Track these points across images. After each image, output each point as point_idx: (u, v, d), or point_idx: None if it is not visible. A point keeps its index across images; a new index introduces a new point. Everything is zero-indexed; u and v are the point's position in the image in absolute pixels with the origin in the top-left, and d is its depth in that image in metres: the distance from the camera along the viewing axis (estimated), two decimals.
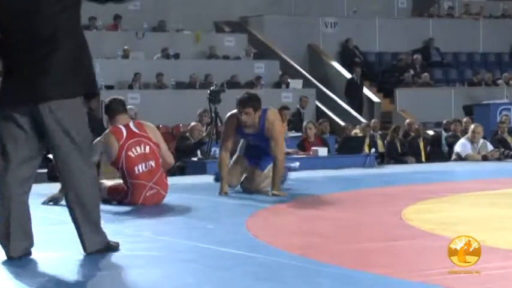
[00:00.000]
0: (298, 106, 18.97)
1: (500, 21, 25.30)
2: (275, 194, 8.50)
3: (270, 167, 8.82)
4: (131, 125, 8.16)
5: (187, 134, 14.49)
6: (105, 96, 18.44)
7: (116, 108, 8.28)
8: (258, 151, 9.05)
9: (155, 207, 7.92)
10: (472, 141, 14.88)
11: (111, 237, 5.37)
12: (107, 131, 8.28)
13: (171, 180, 8.97)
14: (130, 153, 7.90)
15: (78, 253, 5.16)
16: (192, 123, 14.76)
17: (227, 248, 5.45)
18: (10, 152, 5.12)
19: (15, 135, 5.11)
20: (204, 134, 14.29)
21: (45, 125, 5.04)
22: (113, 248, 5.39)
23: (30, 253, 5.22)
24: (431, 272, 4.58)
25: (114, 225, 6.33)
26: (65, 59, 5.07)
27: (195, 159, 13.56)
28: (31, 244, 5.24)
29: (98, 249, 5.24)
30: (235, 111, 8.92)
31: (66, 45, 5.08)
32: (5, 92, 5.13)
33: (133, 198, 7.98)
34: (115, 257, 5.21)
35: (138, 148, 7.96)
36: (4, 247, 5.15)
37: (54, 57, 5.04)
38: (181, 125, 16.79)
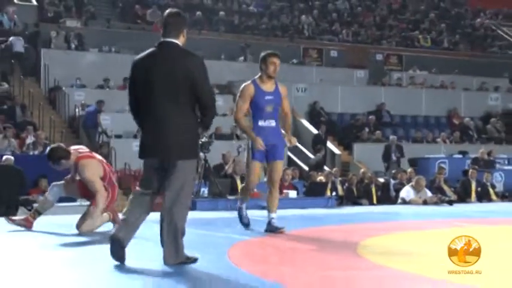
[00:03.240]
0: None
1: (439, 90, 25.57)
2: (291, 141, 8.19)
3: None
4: None
5: None
6: (116, 144, 18.60)
7: None
8: (274, 133, 8.09)
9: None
10: (415, 188, 15.00)
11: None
12: None
13: None
14: None
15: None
16: None
17: (211, 271, 5.45)
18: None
19: None
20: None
21: None
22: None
23: None
24: None
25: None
26: None
27: None
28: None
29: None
30: (249, 82, 8.20)
31: None
32: None
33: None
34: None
35: None
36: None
37: None
38: None
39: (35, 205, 10.48)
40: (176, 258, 5.63)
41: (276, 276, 5.41)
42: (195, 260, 5.76)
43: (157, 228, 5.72)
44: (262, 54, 8.24)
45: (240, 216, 8.62)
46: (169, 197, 5.66)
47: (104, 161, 8.70)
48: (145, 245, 6.61)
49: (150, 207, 5.86)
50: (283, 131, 8.30)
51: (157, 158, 5.70)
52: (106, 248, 5.70)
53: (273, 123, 8.08)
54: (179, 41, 5.80)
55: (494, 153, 20.12)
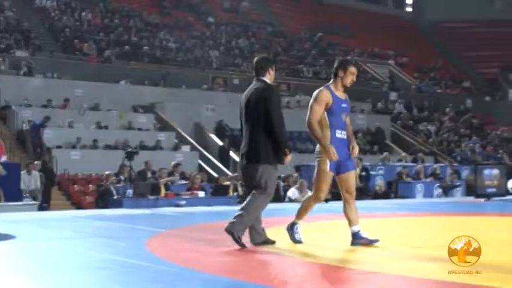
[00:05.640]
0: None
1: None
2: (355, 150, 6.34)
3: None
4: None
5: (104, 180, 14.37)
6: (57, 153, 18.20)
7: None
8: (346, 143, 6.32)
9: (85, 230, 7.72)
10: (299, 189, 15.18)
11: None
12: None
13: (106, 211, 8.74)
14: None
15: None
16: (107, 172, 14.65)
17: (132, 259, 5.37)
18: None
19: None
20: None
21: None
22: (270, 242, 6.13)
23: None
24: (275, 278, 4.56)
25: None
26: None
27: (115, 197, 13.33)
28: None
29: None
30: (323, 88, 6.38)
31: None
32: None
33: None
34: (43, 263, 5.04)
35: None
36: None
37: None
38: (107, 173, 16.45)
39: None
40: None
41: (185, 261, 5.38)
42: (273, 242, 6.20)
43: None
44: (342, 60, 6.53)
45: (294, 233, 6.50)
46: None
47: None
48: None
49: None
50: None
51: None
52: None
53: (345, 133, 6.35)
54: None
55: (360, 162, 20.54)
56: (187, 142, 21.33)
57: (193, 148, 21.03)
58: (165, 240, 7.13)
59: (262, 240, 6.20)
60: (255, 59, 6.55)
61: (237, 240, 5.97)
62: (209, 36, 29.89)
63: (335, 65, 6.42)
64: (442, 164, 22.98)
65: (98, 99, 21.71)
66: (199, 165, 20.22)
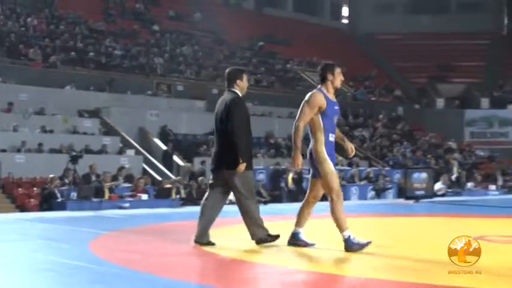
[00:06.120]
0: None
1: (260, 118, 25.48)
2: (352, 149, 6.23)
3: None
4: None
5: (48, 183, 14.04)
6: (2, 157, 17.70)
7: None
8: (334, 147, 6.08)
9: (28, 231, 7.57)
10: None
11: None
12: None
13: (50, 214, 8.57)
14: None
15: None
16: (51, 175, 14.32)
17: (74, 261, 5.31)
18: None
19: None
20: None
21: None
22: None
23: None
24: (213, 278, 4.58)
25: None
26: None
27: (59, 200, 13.08)
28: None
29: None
30: (315, 91, 6.14)
31: None
32: None
33: None
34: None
35: None
36: None
37: None
38: (51, 176, 16.11)
39: None
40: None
41: (126, 262, 5.34)
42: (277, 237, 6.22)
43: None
44: (327, 64, 6.26)
45: (352, 240, 5.88)
46: None
47: None
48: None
49: None
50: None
51: None
52: None
53: (334, 136, 6.09)
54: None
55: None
56: (131, 146, 21.11)
57: (137, 152, 20.83)
58: (107, 241, 7.05)
59: (207, 241, 6.20)
60: (226, 70, 6.59)
61: (268, 239, 6.20)
62: (154, 44, 29.68)
63: (321, 69, 6.17)
64: (375, 168, 23.43)
65: (43, 103, 21.26)
66: (144, 168, 20.03)
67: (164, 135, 22.59)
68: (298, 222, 6.18)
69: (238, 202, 6.36)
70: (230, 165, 6.24)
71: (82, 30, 27.71)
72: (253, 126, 6.63)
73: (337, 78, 6.09)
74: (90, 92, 23.59)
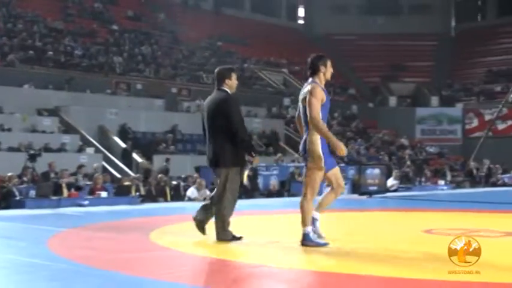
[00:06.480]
0: (94, 165, 18.41)
1: None
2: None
3: None
4: None
5: (6, 181, 13.71)
6: None
7: None
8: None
9: None
10: (198, 189, 15.20)
11: None
12: None
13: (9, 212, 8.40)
14: None
15: None
16: (9, 174, 13.98)
17: (32, 258, 5.22)
18: None
19: None
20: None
21: None
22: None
23: None
24: (169, 273, 4.56)
25: None
26: None
27: (17, 198, 12.80)
28: None
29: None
30: (310, 82, 5.87)
31: None
32: None
33: None
34: None
35: None
36: None
37: None
38: (9, 174, 15.79)
39: None
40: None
41: (83, 258, 5.28)
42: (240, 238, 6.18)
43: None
44: (319, 56, 5.98)
45: (311, 237, 5.87)
46: None
47: None
48: None
49: None
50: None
51: None
52: None
53: None
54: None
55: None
56: (91, 144, 20.83)
57: (97, 150, 20.57)
58: (65, 239, 6.96)
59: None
60: (216, 69, 6.55)
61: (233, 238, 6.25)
62: (113, 43, 29.33)
63: (313, 62, 5.87)
64: None
65: (1, 102, 20.82)
66: (103, 166, 19.79)
67: (123, 134, 22.36)
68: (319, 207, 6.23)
69: (219, 198, 6.28)
70: (227, 162, 6.21)
71: (40, 29, 27.20)
72: None
73: (329, 70, 5.93)
74: (49, 91, 23.19)
